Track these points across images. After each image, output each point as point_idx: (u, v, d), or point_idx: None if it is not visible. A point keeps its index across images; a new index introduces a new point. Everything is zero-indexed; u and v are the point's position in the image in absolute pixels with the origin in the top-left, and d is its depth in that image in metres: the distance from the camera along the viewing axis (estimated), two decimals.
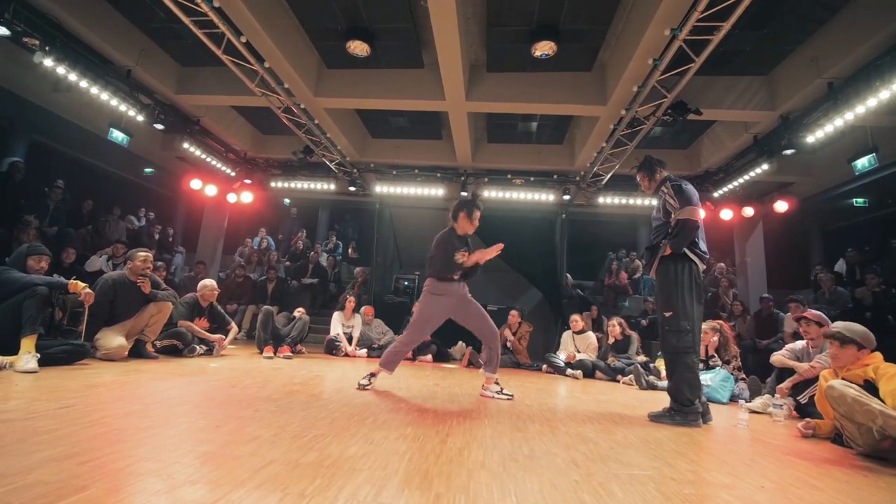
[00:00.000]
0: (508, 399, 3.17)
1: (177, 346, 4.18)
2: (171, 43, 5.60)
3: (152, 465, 1.30)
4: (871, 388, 2.37)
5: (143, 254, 3.88)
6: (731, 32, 3.74)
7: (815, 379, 3.09)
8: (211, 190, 8.27)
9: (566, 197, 7.73)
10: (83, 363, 3.14)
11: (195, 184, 8.21)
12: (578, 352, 5.71)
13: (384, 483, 1.32)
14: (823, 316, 3.54)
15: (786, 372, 3.64)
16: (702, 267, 2.90)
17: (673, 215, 2.88)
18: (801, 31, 4.57)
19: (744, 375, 4.38)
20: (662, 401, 3.01)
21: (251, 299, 7.47)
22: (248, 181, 8.39)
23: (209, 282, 4.80)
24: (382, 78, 5.62)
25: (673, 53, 3.96)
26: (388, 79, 5.62)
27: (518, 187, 7.84)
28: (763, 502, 1.46)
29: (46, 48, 4.53)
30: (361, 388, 3.07)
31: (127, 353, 3.58)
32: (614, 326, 5.54)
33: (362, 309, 6.35)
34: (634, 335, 5.68)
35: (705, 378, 4.00)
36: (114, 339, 3.49)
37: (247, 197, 8.53)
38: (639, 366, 4.75)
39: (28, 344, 2.77)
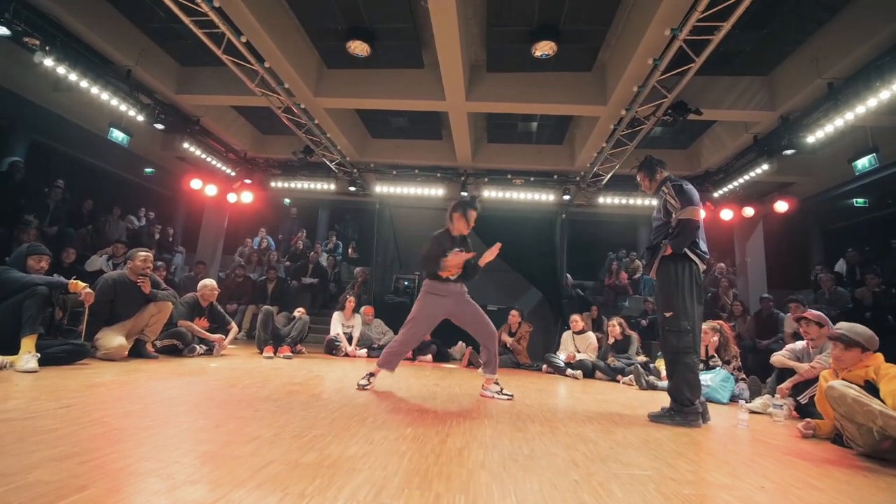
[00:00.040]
0: (508, 399, 3.17)
1: (177, 346, 4.18)
2: (171, 43, 5.60)
3: (152, 465, 1.30)
4: (871, 388, 2.37)
5: (143, 253, 3.88)
6: (732, 32, 3.73)
7: (816, 379, 3.09)
8: (211, 190, 8.27)
9: (566, 197, 7.73)
10: (83, 363, 3.14)
11: (195, 184, 8.21)
12: (578, 352, 5.71)
13: (384, 483, 1.32)
14: (823, 316, 3.54)
15: (786, 372, 3.64)
16: (702, 267, 2.90)
17: (674, 215, 2.88)
18: (801, 32, 4.57)
19: (744, 376, 4.38)
20: (662, 401, 3.01)
21: (251, 299, 7.47)
22: (248, 181, 8.39)
23: (209, 282, 4.80)
24: (382, 78, 5.62)
25: (673, 53, 3.96)
26: (388, 79, 5.62)
27: (518, 187, 7.84)
28: (763, 502, 1.46)
29: (47, 48, 4.53)
30: (361, 388, 3.07)
31: (127, 352, 3.58)
32: (614, 326, 5.54)
33: (362, 309, 6.35)
34: (634, 335, 5.68)
35: (705, 378, 4.00)
36: (114, 338, 3.49)
37: (247, 197, 8.53)
38: (639, 366, 4.75)
39: (28, 343, 2.77)
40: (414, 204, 8.36)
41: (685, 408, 2.74)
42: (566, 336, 6.05)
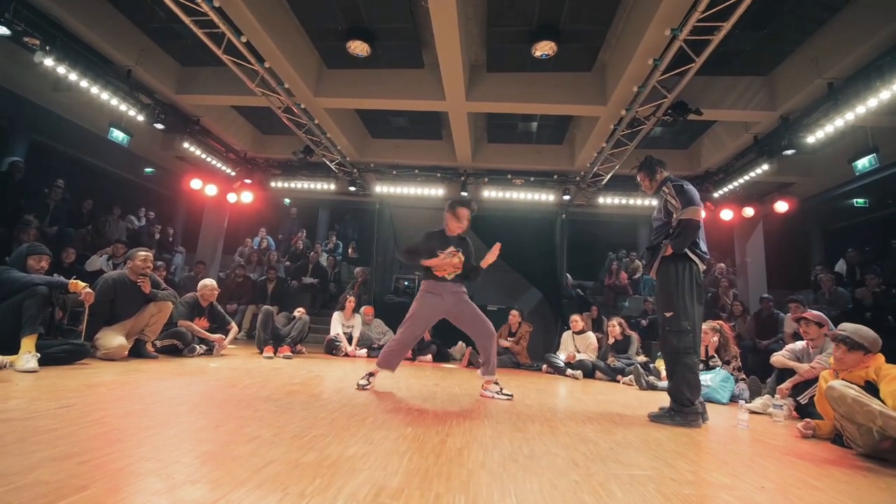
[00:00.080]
0: (508, 399, 3.17)
1: (177, 346, 4.18)
2: (171, 43, 5.60)
3: (152, 465, 1.30)
4: (871, 388, 2.36)
5: (143, 253, 3.88)
6: (732, 33, 3.73)
7: (815, 379, 3.09)
8: (211, 190, 8.27)
9: (566, 197, 7.73)
10: (83, 363, 3.14)
11: (195, 184, 8.21)
12: (578, 352, 5.71)
13: (384, 483, 1.32)
14: (823, 316, 3.54)
15: (786, 372, 3.64)
16: (702, 267, 2.90)
17: (675, 215, 2.88)
18: (801, 32, 4.57)
19: (744, 376, 4.38)
20: (662, 401, 3.01)
21: (251, 299, 7.47)
22: (248, 181, 8.39)
23: (209, 281, 4.80)
24: (382, 78, 5.62)
25: (673, 53, 3.96)
26: (388, 79, 5.62)
27: (518, 187, 7.84)
28: (763, 503, 1.46)
29: (47, 48, 4.52)
30: (360, 388, 3.07)
31: (127, 352, 3.58)
32: (614, 327, 5.54)
33: (362, 309, 6.35)
34: (634, 335, 5.68)
35: (705, 378, 4.00)
36: (114, 338, 3.49)
37: (247, 197, 8.53)
38: (639, 366, 4.75)
39: (28, 343, 2.77)
40: (414, 204, 8.36)
41: (685, 408, 2.74)
42: (566, 336, 6.05)
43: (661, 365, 4.46)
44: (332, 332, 5.84)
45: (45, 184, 6.84)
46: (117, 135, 6.21)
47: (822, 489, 1.64)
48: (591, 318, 7.19)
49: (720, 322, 4.61)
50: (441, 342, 6.34)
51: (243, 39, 4.33)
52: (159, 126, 6.14)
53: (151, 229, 8.56)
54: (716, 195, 7.20)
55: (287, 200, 11.07)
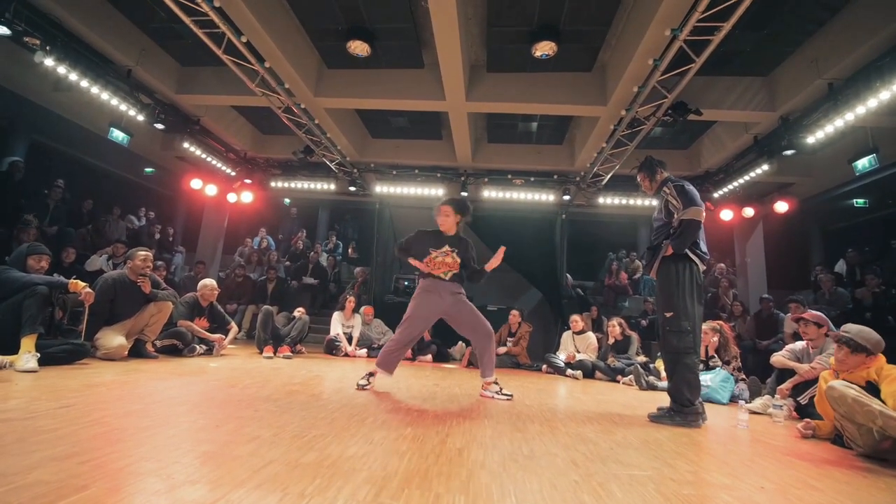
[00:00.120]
0: (508, 399, 3.17)
1: (177, 346, 4.18)
2: (171, 43, 5.60)
3: (152, 465, 1.30)
4: (872, 389, 2.36)
5: (143, 253, 3.88)
6: (732, 33, 3.74)
7: (816, 380, 3.09)
8: (211, 190, 8.27)
9: (566, 197, 7.73)
10: (83, 363, 3.14)
11: (195, 183, 8.22)
12: (578, 352, 5.71)
13: (384, 483, 1.32)
14: (823, 316, 3.54)
15: (786, 373, 3.63)
16: (702, 267, 2.90)
17: (676, 216, 2.88)
18: (801, 32, 4.57)
19: (744, 376, 4.38)
20: (662, 401, 3.01)
21: (251, 299, 7.47)
22: (248, 181, 8.39)
23: (209, 281, 4.80)
24: (382, 78, 5.62)
25: (673, 54, 3.96)
26: (388, 79, 5.62)
27: (518, 187, 7.84)
28: (763, 503, 1.46)
29: (47, 48, 4.52)
30: (360, 388, 3.07)
31: (127, 352, 3.58)
32: (614, 327, 5.54)
33: (362, 309, 6.35)
34: (634, 335, 5.68)
35: (705, 379, 4.00)
36: (114, 338, 3.49)
37: (247, 197, 8.53)
38: (639, 366, 4.75)
39: (28, 343, 2.77)
40: (414, 204, 8.35)
41: (685, 408, 2.74)
42: (566, 336, 6.04)
43: (660, 365, 4.46)
44: (332, 332, 5.84)
45: (45, 184, 6.84)
46: (117, 135, 6.21)
47: (822, 489, 1.64)
48: (591, 319, 7.19)
49: (720, 322, 4.61)
50: (441, 342, 6.33)
51: (243, 39, 4.33)
52: (159, 126, 6.14)
53: (151, 229, 8.56)
54: (716, 195, 7.20)
55: (287, 200, 11.07)
